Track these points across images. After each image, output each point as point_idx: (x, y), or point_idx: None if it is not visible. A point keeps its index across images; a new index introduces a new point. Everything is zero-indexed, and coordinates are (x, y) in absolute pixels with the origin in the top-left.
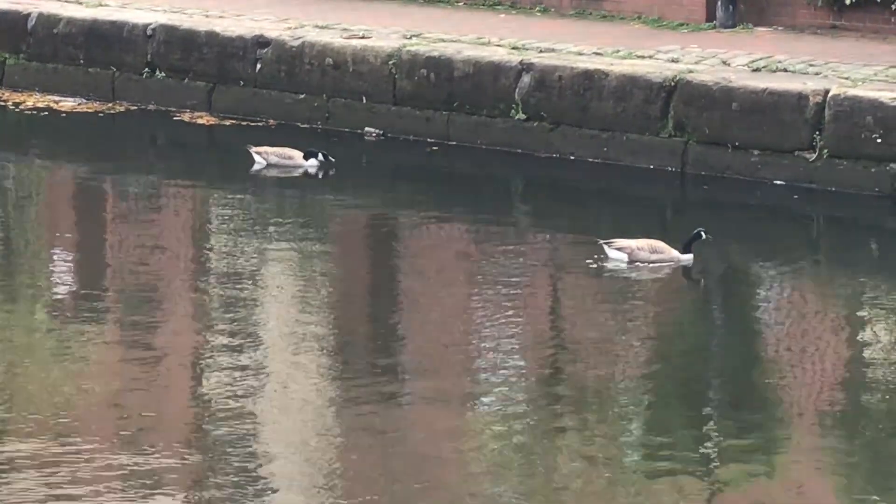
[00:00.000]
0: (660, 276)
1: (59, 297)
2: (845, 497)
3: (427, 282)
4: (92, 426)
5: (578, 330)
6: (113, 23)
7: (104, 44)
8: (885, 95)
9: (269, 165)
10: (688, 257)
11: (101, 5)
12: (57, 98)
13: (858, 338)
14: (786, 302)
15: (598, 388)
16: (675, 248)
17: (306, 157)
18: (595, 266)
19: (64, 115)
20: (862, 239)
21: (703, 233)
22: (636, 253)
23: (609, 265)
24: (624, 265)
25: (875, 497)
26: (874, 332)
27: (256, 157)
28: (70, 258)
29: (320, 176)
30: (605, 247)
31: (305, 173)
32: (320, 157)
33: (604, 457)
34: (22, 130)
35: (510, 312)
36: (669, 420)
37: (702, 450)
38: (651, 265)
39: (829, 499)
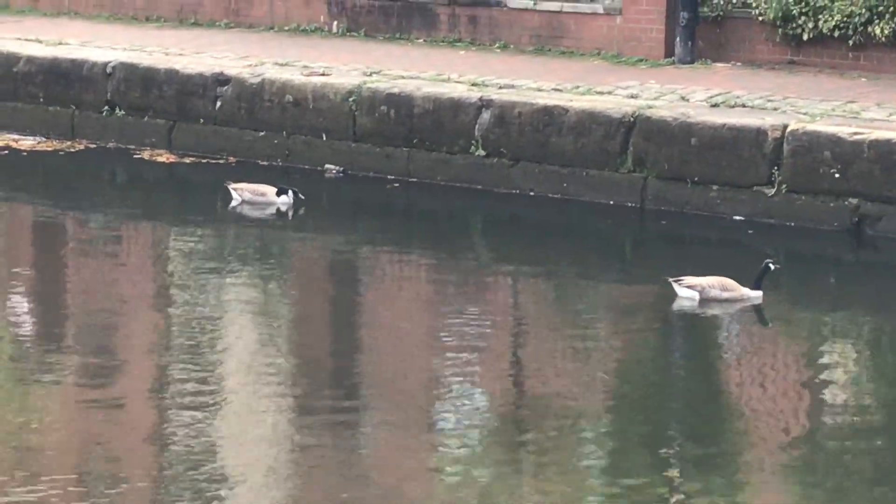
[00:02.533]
0: (640, 309)
1: (20, 333)
2: None
3: (387, 317)
4: (56, 455)
5: (534, 362)
6: (73, 61)
7: (64, 82)
8: (843, 130)
9: (243, 202)
10: (757, 294)
11: (61, 44)
12: (17, 136)
13: (819, 370)
14: (745, 336)
15: (555, 413)
16: (745, 286)
17: (279, 194)
18: (554, 298)
19: (24, 153)
20: (821, 273)
21: (770, 264)
22: (707, 291)
23: (678, 304)
24: (695, 303)
25: None
26: (834, 364)
27: (233, 194)
28: (31, 295)
29: (290, 214)
30: (675, 285)
31: (277, 210)
32: (290, 194)
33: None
34: None
35: (472, 346)
36: (629, 458)
37: (664, 474)
38: (723, 303)
39: None
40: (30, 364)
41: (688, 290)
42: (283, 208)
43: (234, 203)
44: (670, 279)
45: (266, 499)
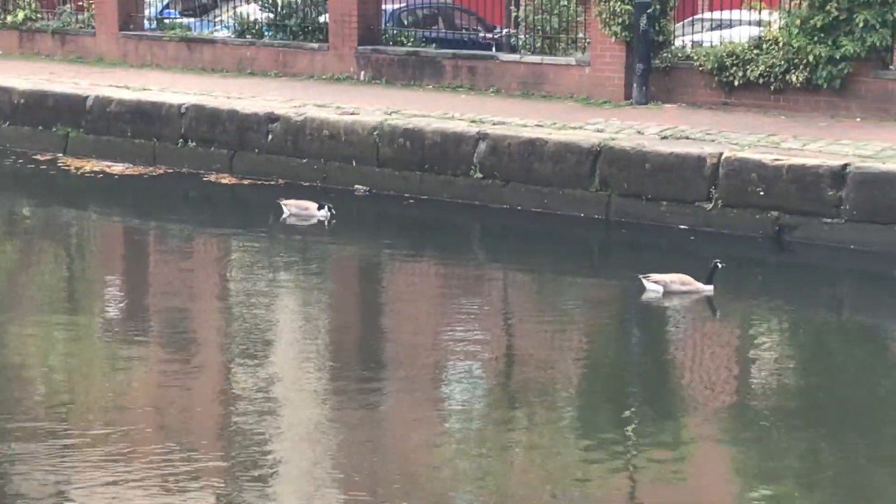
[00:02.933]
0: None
1: (112, 319)
2: (741, 481)
3: (404, 306)
4: (137, 419)
5: (523, 343)
6: (154, 103)
7: (147, 120)
8: (766, 157)
9: (291, 214)
10: (709, 288)
11: (144, 89)
12: (109, 163)
13: (751, 351)
14: (689, 322)
15: (541, 385)
16: (700, 281)
17: (319, 209)
18: (537, 292)
19: (116, 177)
20: (751, 272)
21: (718, 264)
22: (669, 285)
23: (646, 295)
24: (659, 295)
25: (764, 486)
26: (765, 344)
27: (284, 208)
28: (121, 290)
29: (327, 224)
30: (644, 280)
31: (318, 221)
32: (327, 208)
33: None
34: (82, 190)
35: (473, 330)
36: (598, 421)
37: (623, 438)
38: (682, 295)
39: (726, 481)
40: (119, 343)
41: (654, 285)
42: (323, 220)
43: (284, 215)
44: (640, 276)
45: (298, 451)
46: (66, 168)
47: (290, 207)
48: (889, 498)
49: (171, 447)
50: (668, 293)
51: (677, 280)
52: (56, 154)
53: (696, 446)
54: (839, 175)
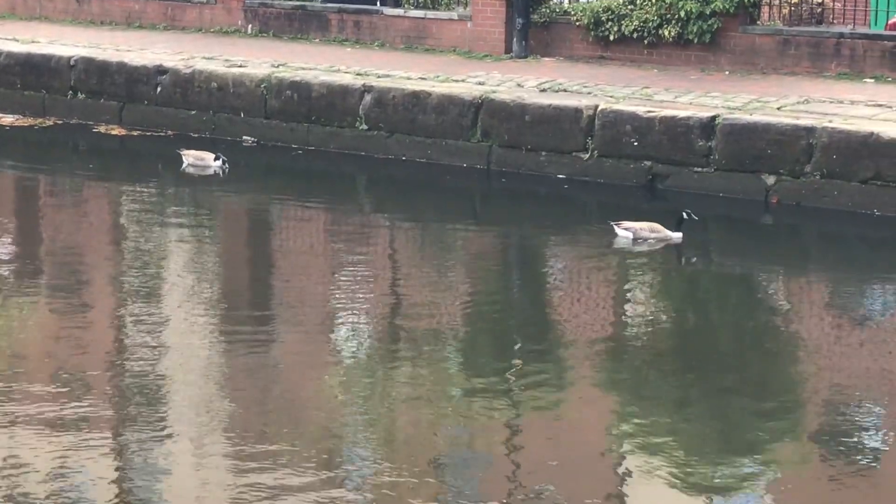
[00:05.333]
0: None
1: (3, 267)
2: (617, 415)
3: (292, 253)
4: (28, 364)
5: (408, 287)
6: (43, 55)
7: (36, 72)
8: (640, 109)
9: (189, 164)
10: (678, 235)
11: (33, 42)
12: (0, 115)
13: (623, 295)
14: (567, 265)
15: (427, 327)
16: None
17: (215, 160)
18: (419, 240)
19: (6, 128)
20: (624, 217)
21: (685, 214)
22: (639, 232)
23: (617, 242)
24: (629, 241)
25: (635, 409)
26: (635, 289)
27: (183, 158)
28: (11, 240)
29: (221, 174)
30: (615, 227)
31: (214, 171)
32: (222, 160)
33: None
34: None
35: (361, 275)
36: (480, 359)
37: (505, 378)
38: (651, 242)
39: (603, 415)
40: (10, 290)
41: (624, 231)
42: (218, 171)
43: (183, 165)
44: (611, 222)
45: (196, 389)
46: None
47: (189, 157)
48: (751, 427)
49: (62, 391)
50: (637, 240)
51: (646, 227)
52: None
53: (574, 385)
54: (708, 126)
